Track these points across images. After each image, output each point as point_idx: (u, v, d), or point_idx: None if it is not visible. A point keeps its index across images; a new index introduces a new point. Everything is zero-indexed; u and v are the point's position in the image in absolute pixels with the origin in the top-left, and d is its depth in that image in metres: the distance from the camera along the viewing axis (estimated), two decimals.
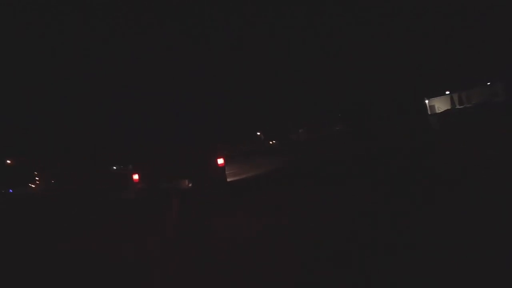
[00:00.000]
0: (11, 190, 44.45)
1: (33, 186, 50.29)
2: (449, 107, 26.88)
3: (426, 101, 27.61)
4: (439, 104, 28.68)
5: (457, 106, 26.86)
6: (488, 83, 27.30)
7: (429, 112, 26.08)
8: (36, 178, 51.18)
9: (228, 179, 10.68)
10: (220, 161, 9.28)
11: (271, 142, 49.86)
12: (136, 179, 9.27)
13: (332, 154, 14.33)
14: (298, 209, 5.28)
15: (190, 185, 10.10)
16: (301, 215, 4.81)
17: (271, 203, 6.19)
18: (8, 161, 43.90)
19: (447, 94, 29.49)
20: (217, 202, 7.52)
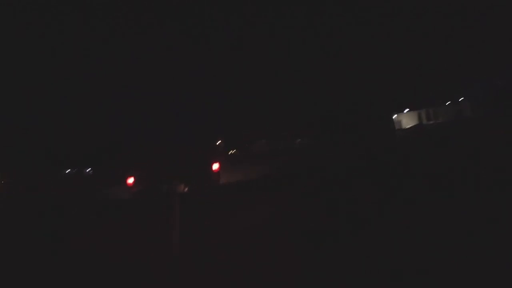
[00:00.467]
0: None
1: None
2: (416, 123, 27.40)
3: (394, 116, 28.00)
4: (407, 120, 29.09)
5: (425, 122, 27.33)
6: (449, 102, 27.89)
7: (396, 128, 26.48)
8: None
9: (228, 179, 10.68)
10: (215, 166, 9.19)
11: (230, 152, 48.44)
12: (130, 183, 8.94)
13: (326, 158, 14.35)
14: (298, 209, 5.28)
15: (186, 190, 10.08)
16: (301, 215, 4.81)
17: (271, 203, 6.19)
18: None
19: (407, 110, 29.97)
20: (217, 202, 7.52)
